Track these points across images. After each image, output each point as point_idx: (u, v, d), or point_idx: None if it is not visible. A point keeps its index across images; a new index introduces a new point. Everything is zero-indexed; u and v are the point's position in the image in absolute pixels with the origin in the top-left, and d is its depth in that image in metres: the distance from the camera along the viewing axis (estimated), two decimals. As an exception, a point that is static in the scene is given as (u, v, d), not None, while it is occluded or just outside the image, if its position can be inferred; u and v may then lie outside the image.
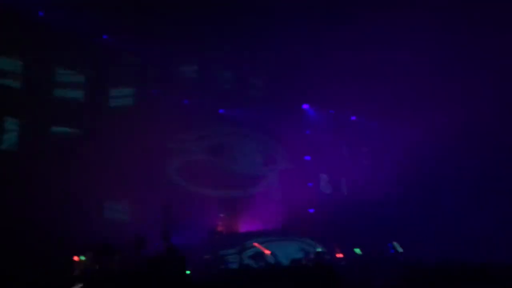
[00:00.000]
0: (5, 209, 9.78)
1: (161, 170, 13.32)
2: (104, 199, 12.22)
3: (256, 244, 11.89)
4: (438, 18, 11.37)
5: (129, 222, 12.26)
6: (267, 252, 11.03)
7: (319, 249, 12.78)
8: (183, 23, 12.00)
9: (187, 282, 4.37)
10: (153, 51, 12.93)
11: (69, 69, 12.17)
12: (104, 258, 5.38)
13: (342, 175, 17.14)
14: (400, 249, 12.20)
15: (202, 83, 14.32)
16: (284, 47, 13.13)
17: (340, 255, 12.33)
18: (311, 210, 15.59)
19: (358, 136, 16.77)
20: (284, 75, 14.74)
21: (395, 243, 12.32)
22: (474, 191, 14.60)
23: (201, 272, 10.08)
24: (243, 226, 14.41)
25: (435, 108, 14.22)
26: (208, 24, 12.01)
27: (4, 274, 7.73)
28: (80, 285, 3.88)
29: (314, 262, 10.66)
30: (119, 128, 12.51)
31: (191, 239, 11.69)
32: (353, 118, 16.86)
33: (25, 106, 11.23)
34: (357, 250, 12.18)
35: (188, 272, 6.37)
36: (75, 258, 6.76)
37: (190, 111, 13.62)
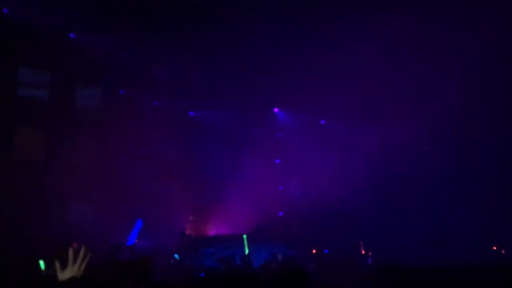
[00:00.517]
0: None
1: (129, 173, 13.10)
2: (70, 202, 11.92)
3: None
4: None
5: (95, 226, 12.01)
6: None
7: (288, 253, 12.84)
8: (154, 23, 11.87)
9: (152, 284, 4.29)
10: (122, 51, 12.73)
11: (34, 68, 11.82)
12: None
13: (311, 178, 17.32)
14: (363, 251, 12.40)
15: (173, 85, 14.19)
16: (254, 50, 13.18)
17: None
18: (281, 214, 15.68)
19: (328, 139, 17.00)
20: (255, 78, 14.79)
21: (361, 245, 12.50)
22: (444, 190, 14.98)
23: (168, 275, 9.98)
24: (212, 229, 14.35)
25: (406, 109, 14.48)
26: (178, 26, 11.92)
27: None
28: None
29: (284, 265, 10.67)
30: (85, 128, 12.26)
31: (160, 242, 11.57)
32: (322, 121, 17.08)
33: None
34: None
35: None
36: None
37: (160, 113, 13.45)
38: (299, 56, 12.98)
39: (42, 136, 11.75)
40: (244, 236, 10.45)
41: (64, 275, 2.76)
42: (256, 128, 15.76)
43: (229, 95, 15.50)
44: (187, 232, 13.16)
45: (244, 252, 11.17)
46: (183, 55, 13.42)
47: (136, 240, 10.80)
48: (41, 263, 6.65)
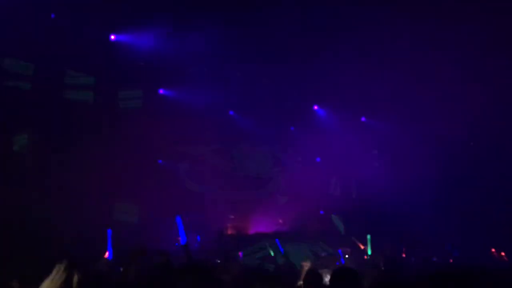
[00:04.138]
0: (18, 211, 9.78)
1: (171, 172, 13.28)
2: (114, 202, 12.19)
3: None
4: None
5: (140, 226, 12.23)
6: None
7: (329, 251, 12.66)
8: (194, 24, 11.92)
9: None
10: (162, 52, 12.87)
11: (78, 71, 12.14)
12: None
13: (352, 176, 17.02)
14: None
15: (212, 84, 14.24)
16: (294, 49, 13.03)
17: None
18: (322, 212, 15.48)
19: (369, 138, 16.64)
20: (294, 75, 14.64)
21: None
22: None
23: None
24: (253, 228, 14.34)
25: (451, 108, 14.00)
26: (219, 26, 11.91)
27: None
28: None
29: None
30: (128, 130, 12.50)
31: (202, 242, 11.65)
32: (363, 119, 16.73)
33: (36, 108, 11.22)
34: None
35: None
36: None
37: (199, 113, 13.52)
38: (337, 54, 12.75)
39: (86, 137, 12.07)
40: (277, 239, 10.36)
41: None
42: (297, 125, 15.63)
43: (268, 93, 15.43)
44: (228, 231, 13.19)
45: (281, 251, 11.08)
46: (222, 53, 13.44)
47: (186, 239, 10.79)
48: None
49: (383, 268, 7.08)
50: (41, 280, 3.21)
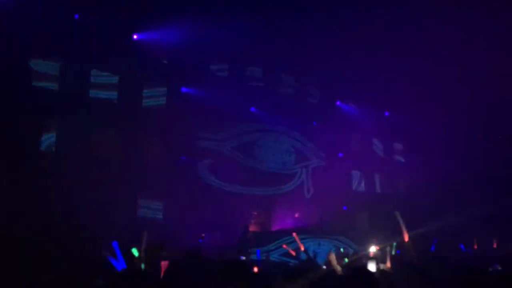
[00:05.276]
0: (46, 208, 10.00)
1: (193, 168, 13.39)
2: (137, 198, 12.37)
3: (284, 246, 11.74)
4: None
5: (163, 220, 12.40)
6: (302, 247, 10.88)
7: (353, 248, 12.57)
8: (213, 22, 11.98)
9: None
10: (183, 51, 12.98)
11: (103, 70, 12.36)
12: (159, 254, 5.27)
13: (375, 172, 16.84)
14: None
15: (233, 81, 14.28)
16: (317, 45, 12.97)
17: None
18: (345, 208, 15.37)
19: (393, 132, 16.44)
20: (316, 72, 14.57)
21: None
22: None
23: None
24: (276, 224, 14.34)
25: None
26: (238, 24, 11.93)
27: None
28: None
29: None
30: (151, 128, 12.67)
31: (225, 238, 11.71)
32: (386, 113, 16.54)
33: (63, 107, 11.47)
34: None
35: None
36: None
37: (222, 110, 13.57)
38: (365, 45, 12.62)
39: (110, 135, 12.27)
40: (294, 234, 10.30)
41: None
42: (319, 121, 15.54)
43: (290, 89, 15.39)
44: (250, 228, 13.21)
45: (304, 247, 11.04)
46: (242, 51, 13.47)
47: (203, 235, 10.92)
48: (135, 251, 6.63)
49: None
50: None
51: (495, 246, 11.59)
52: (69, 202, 10.30)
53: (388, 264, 5.64)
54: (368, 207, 15.56)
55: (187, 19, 11.79)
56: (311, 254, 10.15)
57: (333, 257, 6.16)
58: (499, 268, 6.51)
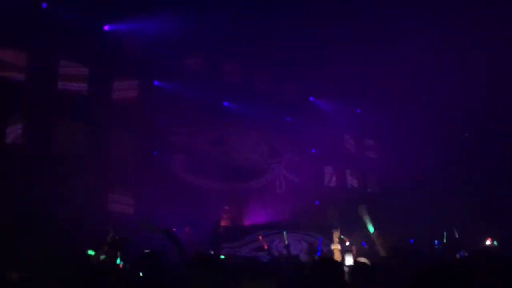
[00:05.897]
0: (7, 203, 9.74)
1: (165, 163, 13.26)
2: (107, 193, 12.17)
3: (260, 237, 11.79)
4: None
5: (133, 216, 12.23)
6: (265, 246, 10.94)
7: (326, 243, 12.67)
8: (187, 14, 11.85)
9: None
10: (157, 43, 12.80)
11: (72, 61, 12.06)
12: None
13: (347, 167, 17.05)
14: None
15: (207, 76, 14.17)
16: (289, 40, 12.99)
17: None
18: (317, 202, 15.52)
19: (364, 129, 16.65)
20: (289, 67, 14.59)
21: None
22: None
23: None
24: (249, 219, 14.36)
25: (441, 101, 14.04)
26: (214, 17, 11.85)
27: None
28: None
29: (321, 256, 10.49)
30: (121, 121, 12.46)
31: (196, 233, 11.65)
32: (358, 110, 16.73)
33: (29, 99, 11.15)
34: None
35: None
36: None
37: (194, 104, 13.46)
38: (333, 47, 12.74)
39: (80, 128, 12.02)
40: (284, 232, 10.32)
41: None
42: (292, 116, 15.60)
43: (264, 84, 15.39)
44: (222, 222, 13.17)
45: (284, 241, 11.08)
46: (217, 45, 13.37)
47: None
48: (91, 252, 6.59)
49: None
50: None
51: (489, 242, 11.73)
52: (36, 196, 10.08)
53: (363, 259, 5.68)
54: (340, 202, 15.73)
55: (161, 10, 11.62)
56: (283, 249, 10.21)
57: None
58: (466, 254, 6.67)
